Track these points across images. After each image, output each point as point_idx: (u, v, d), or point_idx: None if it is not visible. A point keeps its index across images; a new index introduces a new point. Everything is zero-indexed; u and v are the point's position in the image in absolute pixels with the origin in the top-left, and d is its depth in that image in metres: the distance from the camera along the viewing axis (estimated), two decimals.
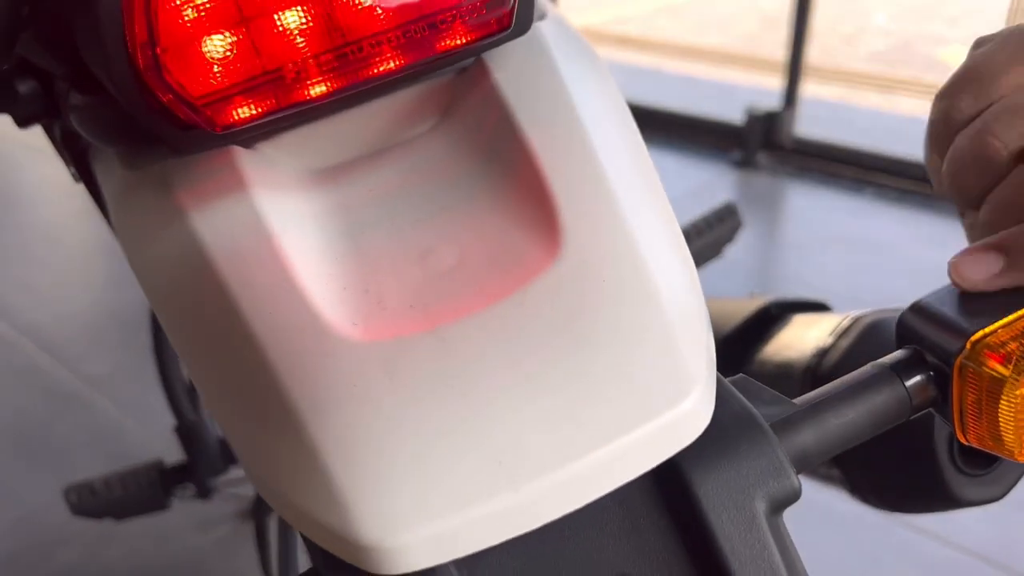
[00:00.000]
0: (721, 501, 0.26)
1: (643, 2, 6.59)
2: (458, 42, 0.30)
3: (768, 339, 0.63)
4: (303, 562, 1.22)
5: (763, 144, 2.70)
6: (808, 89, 3.22)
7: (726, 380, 0.29)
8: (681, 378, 0.25)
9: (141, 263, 0.33)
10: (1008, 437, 0.27)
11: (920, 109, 3.72)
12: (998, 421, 0.27)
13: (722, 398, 0.28)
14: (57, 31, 0.32)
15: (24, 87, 0.45)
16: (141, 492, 1.00)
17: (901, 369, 0.30)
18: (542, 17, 0.39)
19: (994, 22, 5.52)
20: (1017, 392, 0.26)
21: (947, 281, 0.31)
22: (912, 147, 2.65)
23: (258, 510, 1.21)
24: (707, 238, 0.95)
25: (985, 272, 0.30)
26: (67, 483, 1.05)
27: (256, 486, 0.28)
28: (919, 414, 0.30)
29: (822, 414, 0.29)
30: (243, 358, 0.28)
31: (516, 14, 0.31)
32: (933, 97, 0.35)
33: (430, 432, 0.25)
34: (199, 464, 0.98)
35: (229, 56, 0.28)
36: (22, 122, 0.51)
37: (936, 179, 0.36)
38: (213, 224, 0.31)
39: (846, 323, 0.54)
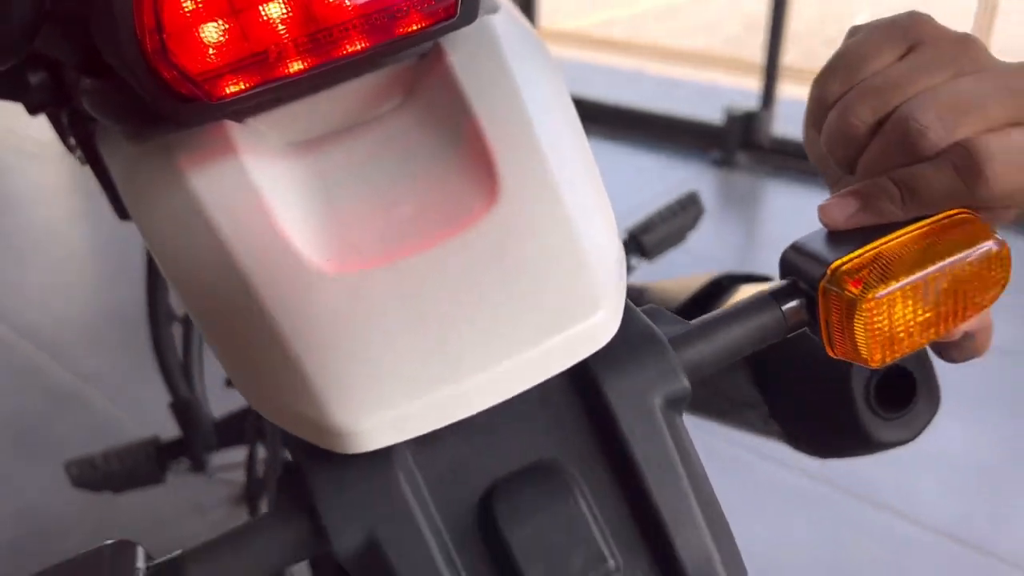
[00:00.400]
0: (625, 398, 0.32)
1: (629, 6, 6.66)
2: (412, 28, 0.36)
3: (716, 306, 0.69)
4: None
5: (742, 144, 2.77)
6: (791, 91, 3.29)
7: (636, 307, 0.35)
8: (591, 297, 0.31)
9: (148, 221, 0.39)
10: (863, 349, 0.33)
11: None
12: (855, 335, 0.33)
13: (630, 318, 0.34)
14: (73, 25, 0.38)
15: (35, 78, 0.50)
16: (138, 466, 1.05)
17: (779, 295, 0.36)
18: (495, 11, 0.45)
19: (966, 25, 5.60)
20: (865, 307, 0.32)
21: None
22: None
23: (250, 493, 1.27)
24: (671, 225, 1.01)
25: (843, 214, 0.36)
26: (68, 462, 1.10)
27: (247, 397, 0.34)
28: (794, 333, 0.36)
29: (711, 331, 0.35)
30: (235, 292, 0.34)
31: (461, 4, 0.37)
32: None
33: (386, 339, 0.31)
34: (193, 439, 1.04)
35: (222, 40, 0.34)
36: (33, 110, 0.57)
37: (811, 152, 0.42)
38: (209, 185, 0.37)
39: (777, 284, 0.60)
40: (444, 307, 0.31)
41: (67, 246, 2.61)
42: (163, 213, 0.38)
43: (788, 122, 2.87)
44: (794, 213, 2.59)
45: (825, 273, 0.33)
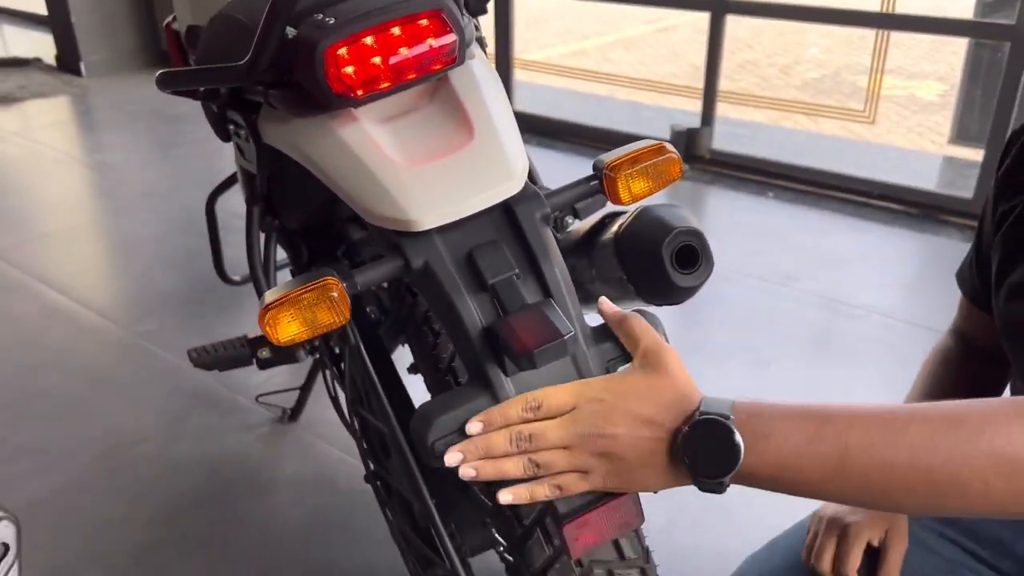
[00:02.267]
0: (525, 214, 0.79)
1: (598, 37, 7.17)
2: (436, 68, 0.84)
3: (605, 231, 1.16)
4: None
5: (686, 156, 3.27)
6: (744, 114, 3.77)
7: (533, 184, 0.82)
8: (516, 171, 0.79)
9: (314, 149, 0.86)
10: (625, 196, 0.80)
11: (838, 129, 4.30)
12: (619, 193, 0.80)
13: (528, 187, 0.81)
14: (281, 60, 0.85)
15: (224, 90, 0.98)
16: (236, 352, 1.49)
17: (589, 179, 0.83)
18: (472, 57, 0.93)
19: (913, 52, 6.10)
20: (620, 177, 0.79)
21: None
22: (809, 159, 3.22)
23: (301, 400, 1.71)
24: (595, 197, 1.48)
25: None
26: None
27: (358, 209, 0.80)
28: (594, 195, 0.83)
29: (562, 191, 0.82)
30: (363, 172, 0.80)
31: (459, 58, 0.85)
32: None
33: (428, 185, 0.77)
34: None
35: (355, 72, 0.81)
36: (220, 108, 1.04)
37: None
38: (347, 132, 0.83)
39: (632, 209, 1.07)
40: (453, 176, 0.78)
41: (114, 237, 3.05)
42: (324, 144, 0.85)
43: (724, 138, 3.37)
44: (728, 212, 3.08)
45: (605, 165, 0.81)
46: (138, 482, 1.80)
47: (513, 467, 0.68)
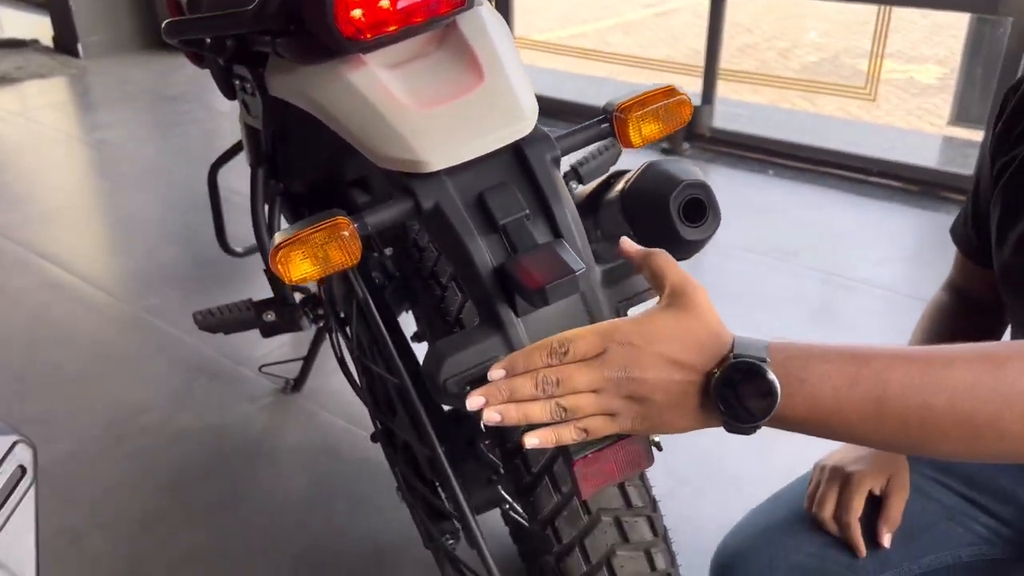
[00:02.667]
0: (536, 156, 0.79)
1: (599, 21, 7.15)
2: (444, 11, 0.84)
3: (610, 190, 1.16)
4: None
5: (687, 135, 3.27)
6: (743, 96, 3.77)
7: (542, 127, 0.82)
8: (526, 112, 0.79)
9: (325, 95, 0.86)
10: (635, 139, 0.81)
11: (837, 111, 4.30)
12: (630, 135, 0.80)
13: (538, 129, 0.81)
14: (288, 8, 0.85)
15: (230, 42, 0.98)
16: (242, 315, 1.50)
17: (600, 122, 0.84)
18: (480, 4, 0.93)
19: (911, 36, 6.10)
20: (632, 119, 0.79)
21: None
22: (808, 137, 3.23)
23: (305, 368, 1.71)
24: (598, 161, 1.48)
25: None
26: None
27: (368, 153, 0.81)
28: (607, 138, 0.83)
29: (573, 134, 0.82)
30: (373, 114, 0.81)
31: (467, 1, 0.85)
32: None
33: (437, 127, 0.77)
34: (279, 297, 1.48)
35: (363, 15, 0.81)
36: (227, 62, 1.04)
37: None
38: (357, 76, 0.83)
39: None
40: (463, 117, 0.78)
41: (115, 214, 3.05)
42: (333, 89, 0.85)
43: (724, 118, 3.37)
44: (729, 189, 3.08)
45: (616, 107, 0.81)
46: (143, 452, 1.81)
47: (540, 412, 0.65)
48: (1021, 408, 0.58)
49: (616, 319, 0.67)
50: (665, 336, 0.63)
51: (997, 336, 1.04)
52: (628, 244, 0.72)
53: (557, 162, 0.81)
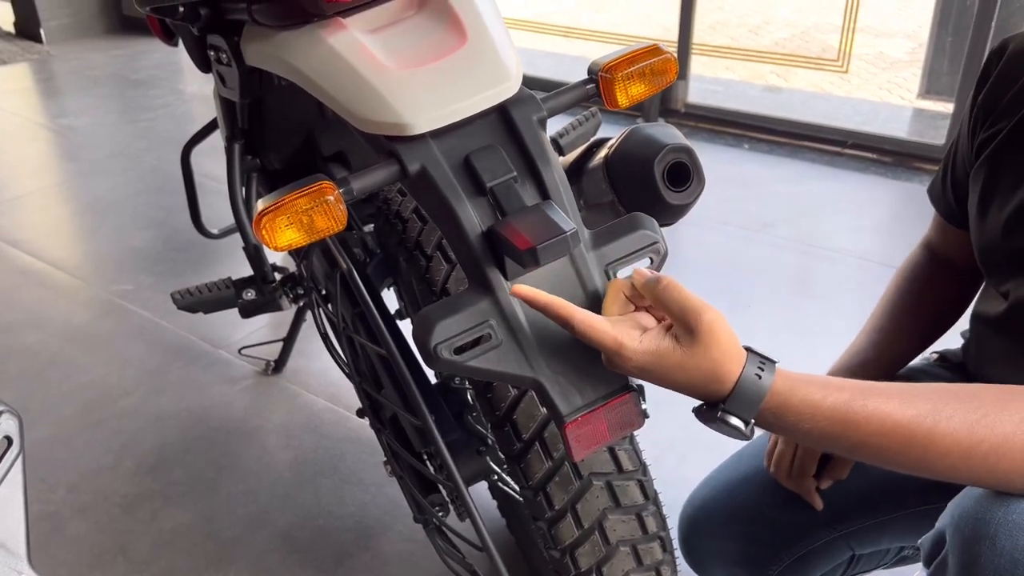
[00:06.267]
0: (521, 117, 0.78)
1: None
2: None
3: (593, 157, 1.15)
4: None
5: (661, 110, 3.27)
6: (717, 72, 3.76)
7: (529, 90, 0.81)
8: (511, 73, 0.77)
9: (306, 61, 0.84)
10: (622, 99, 0.80)
11: (809, 86, 4.31)
12: (616, 96, 0.80)
13: (523, 90, 0.80)
14: None
15: (204, 10, 0.96)
16: (221, 293, 1.48)
17: (584, 83, 0.83)
18: None
19: (881, 10, 6.14)
20: (617, 80, 0.79)
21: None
22: (781, 111, 3.24)
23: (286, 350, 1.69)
24: (578, 132, 1.47)
25: None
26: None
27: (351, 118, 0.79)
28: (591, 97, 0.83)
29: (558, 95, 0.82)
30: (355, 77, 0.79)
31: None
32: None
33: (420, 88, 0.76)
34: (259, 275, 1.46)
35: None
36: (200, 32, 1.02)
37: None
38: (338, 40, 0.82)
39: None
40: (447, 78, 0.77)
41: (83, 200, 2.99)
42: (315, 55, 0.84)
43: (698, 94, 3.37)
44: (705, 163, 3.07)
45: (601, 67, 0.80)
46: (122, 434, 1.78)
47: None
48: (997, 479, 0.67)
49: (628, 345, 0.69)
50: (669, 367, 0.68)
51: (966, 301, 1.06)
52: (640, 274, 0.73)
53: (543, 123, 0.80)
